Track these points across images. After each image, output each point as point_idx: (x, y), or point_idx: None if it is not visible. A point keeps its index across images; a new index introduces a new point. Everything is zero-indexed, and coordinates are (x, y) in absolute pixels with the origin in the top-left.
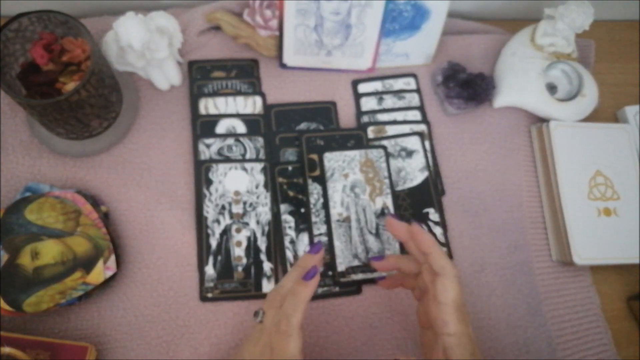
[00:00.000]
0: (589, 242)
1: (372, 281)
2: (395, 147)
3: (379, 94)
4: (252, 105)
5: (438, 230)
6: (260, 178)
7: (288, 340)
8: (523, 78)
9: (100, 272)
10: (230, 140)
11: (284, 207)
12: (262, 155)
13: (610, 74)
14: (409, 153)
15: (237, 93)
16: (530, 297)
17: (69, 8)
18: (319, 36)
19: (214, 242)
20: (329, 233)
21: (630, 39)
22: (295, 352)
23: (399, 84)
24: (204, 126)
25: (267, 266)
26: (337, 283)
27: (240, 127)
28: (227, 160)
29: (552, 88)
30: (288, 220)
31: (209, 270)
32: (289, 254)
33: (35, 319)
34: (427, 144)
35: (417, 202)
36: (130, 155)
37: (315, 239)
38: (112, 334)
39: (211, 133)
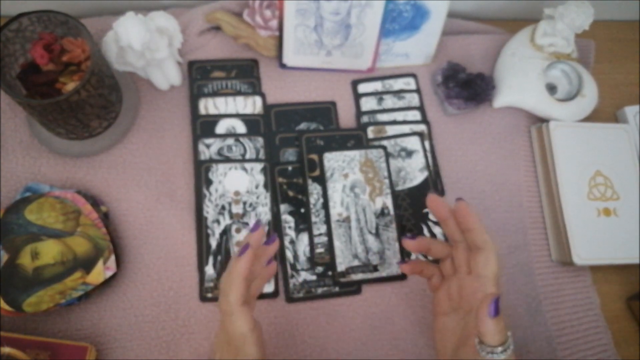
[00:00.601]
0: (588, 242)
1: (372, 281)
2: (395, 147)
3: (378, 94)
4: (252, 105)
5: (438, 230)
6: (260, 178)
7: (231, 319)
8: (523, 78)
9: (100, 272)
10: (230, 141)
11: (283, 207)
12: (262, 155)
13: (610, 74)
14: (409, 153)
15: (237, 93)
16: (530, 297)
17: (69, 8)
18: (319, 36)
19: (213, 242)
20: (329, 233)
21: (630, 39)
22: (243, 329)
23: (398, 84)
24: (203, 126)
25: None
26: (337, 283)
27: (240, 127)
28: (227, 160)
29: (551, 88)
30: (288, 220)
31: (209, 270)
32: (289, 254)
33: (35, 319)
34: (426, 144)
35: (417, 202)
36: (130, 155)
37: (315, 239)
38: (112, 334)
39: (211, 133)
